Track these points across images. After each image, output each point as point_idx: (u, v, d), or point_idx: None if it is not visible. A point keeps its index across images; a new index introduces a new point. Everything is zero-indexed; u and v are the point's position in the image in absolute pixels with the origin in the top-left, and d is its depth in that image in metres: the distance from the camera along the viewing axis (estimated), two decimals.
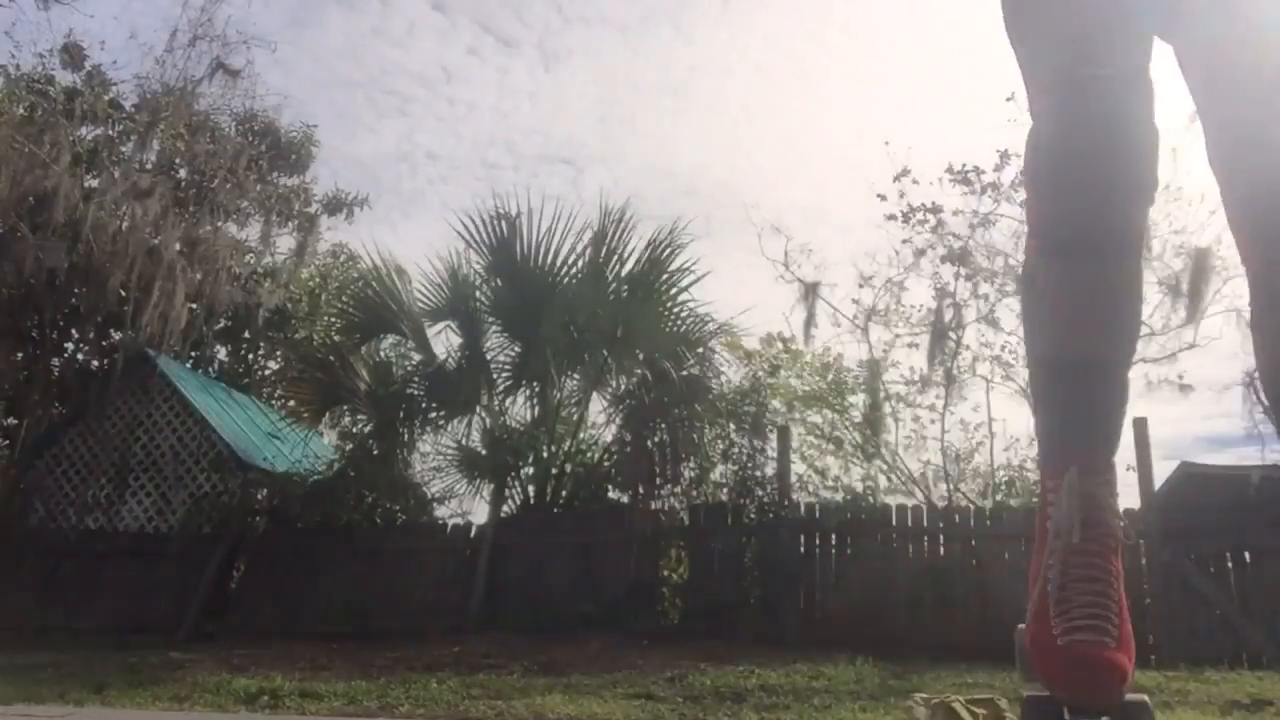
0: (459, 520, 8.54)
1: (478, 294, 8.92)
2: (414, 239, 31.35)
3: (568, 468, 8.60)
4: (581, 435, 8.86)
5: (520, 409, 8.87)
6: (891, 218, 9.44)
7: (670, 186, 26.96)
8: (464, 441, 8.71)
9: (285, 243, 13.58)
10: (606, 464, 8.51)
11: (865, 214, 22.25)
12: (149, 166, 11.54)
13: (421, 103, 29.00)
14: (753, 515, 7.54)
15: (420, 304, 8.97)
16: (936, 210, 9.35)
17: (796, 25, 27.05)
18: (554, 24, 28.87)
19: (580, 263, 8.72)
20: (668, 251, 8.50)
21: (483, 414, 8.81)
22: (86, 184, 10.74)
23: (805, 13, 26.35)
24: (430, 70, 28.80)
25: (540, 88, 28.83)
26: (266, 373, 14.24)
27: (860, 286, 9.49)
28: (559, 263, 8.67)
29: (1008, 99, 9.22)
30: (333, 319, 10.53)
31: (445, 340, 9.06)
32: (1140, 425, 6.91)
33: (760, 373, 9.33)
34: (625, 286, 8.63)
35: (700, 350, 8.72)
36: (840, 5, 28.52)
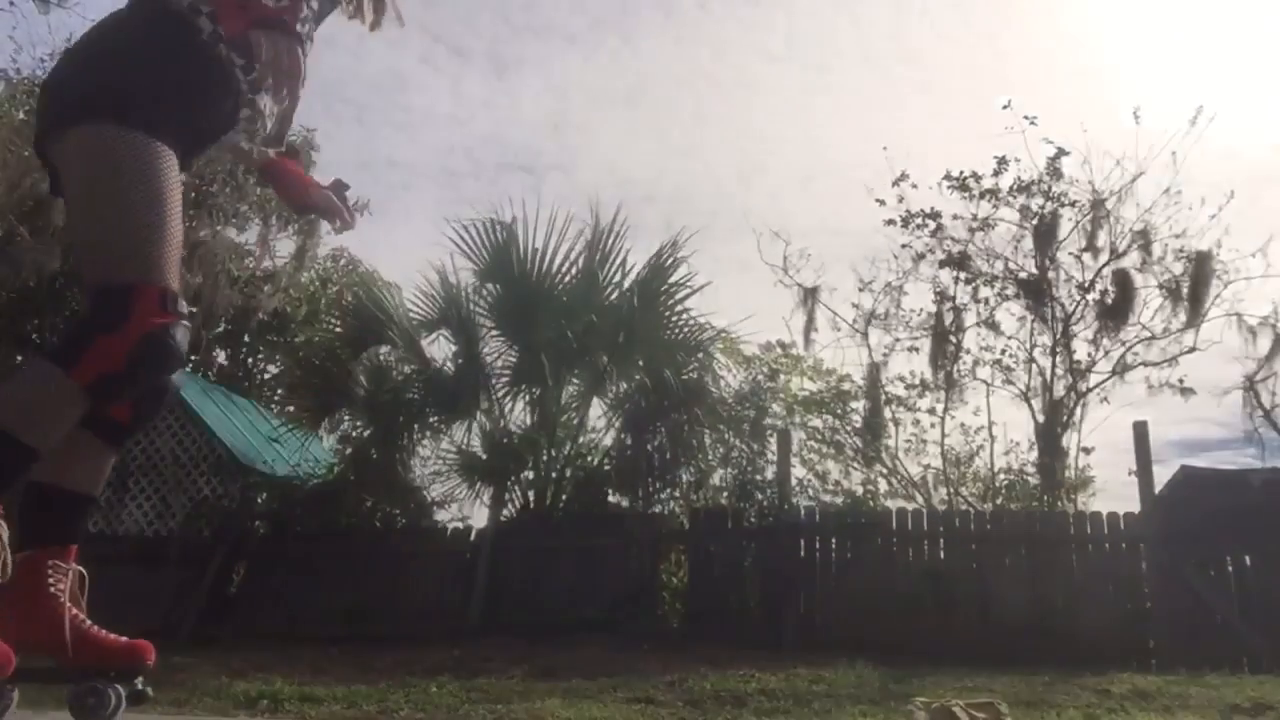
0: (459, 524, 8.51)
1: (473, 299, 8.91)
2: (380, 245, 31.34)
3: (567, 472, 8.58)
4: (581, 439, 8.83)
5: (520, 414, 8.86)
6: (890, 222, 9.48)
7: (629, 193, 27.09)
8: (464, 446, 8.70)
9: (285, 246, 13.56)
10: (606, 468, 8.51)
11: (825, 220, 22.59)
12: None
13: (378, 111, 29.10)
14: (753, 519, 7.53)
15: (414, 314, 8.94)
16: (935, 215, 9.38)
17: (740, 34, 27.17)
18: (502, 33, 29.01)
19: (576, 268, 8.73)
20: (671, 259, 8.52)
21: (482, 418, 8.80)
22: None
23: (747, 22, 26.51)
24: (384, 78, 28.86)
25: (494, 95, 28.97)
26: (266, 376, 14.22)
27: (860, 290, 9.53)
28: (555, 268, 8.68)
29: (1004, 106, 9.27)
30: (332, 322, 10.52)
31: (443, 345, 9.05)
32: (1140, 428, 6.89)
33: (760, 376, 9.34)
34: (627, 292, 8.63)
35: (700, 355, 8.72)
36: (781, 16, 28.67)
